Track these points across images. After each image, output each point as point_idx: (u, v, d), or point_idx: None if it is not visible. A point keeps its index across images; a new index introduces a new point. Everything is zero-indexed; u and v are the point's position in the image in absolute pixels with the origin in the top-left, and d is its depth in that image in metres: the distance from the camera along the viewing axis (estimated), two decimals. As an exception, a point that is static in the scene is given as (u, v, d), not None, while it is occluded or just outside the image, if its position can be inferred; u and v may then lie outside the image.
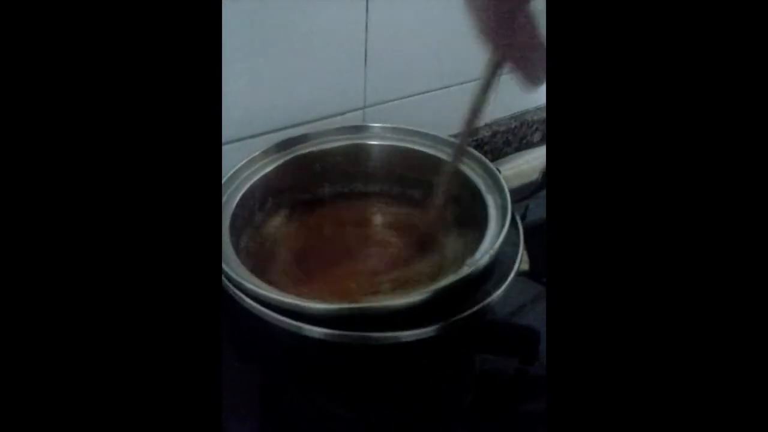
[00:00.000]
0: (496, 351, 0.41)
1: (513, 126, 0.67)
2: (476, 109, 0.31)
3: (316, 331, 0.29)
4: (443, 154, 0.43)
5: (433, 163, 0.43)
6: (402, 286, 0.36)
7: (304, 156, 0.44)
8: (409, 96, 0.55)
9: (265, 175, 0.42)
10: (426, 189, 0.46)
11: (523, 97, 0.68)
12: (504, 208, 0.36)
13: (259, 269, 0.38)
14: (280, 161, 0.43)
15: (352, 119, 0.52)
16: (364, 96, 0.52)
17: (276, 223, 0.43)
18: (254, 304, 0.30)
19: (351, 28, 0.47)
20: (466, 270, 0.31)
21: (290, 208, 0.45)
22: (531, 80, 0.23)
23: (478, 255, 0.32)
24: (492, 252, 0.32)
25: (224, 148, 0.45)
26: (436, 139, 0.44)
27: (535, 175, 0.56)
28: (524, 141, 0.70)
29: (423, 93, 0.55)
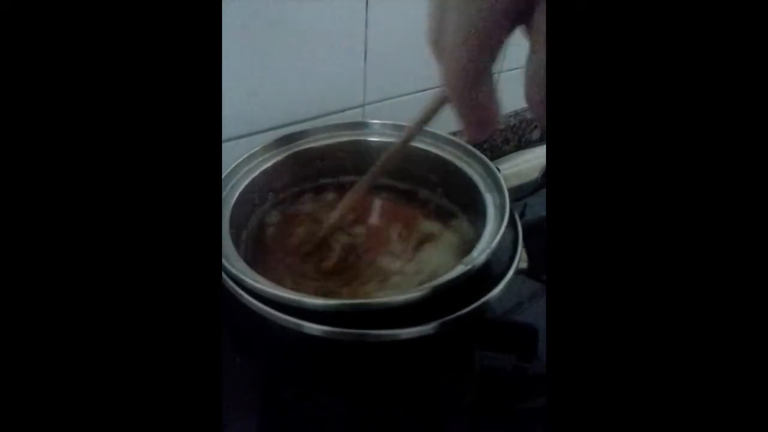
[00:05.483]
0: (494, 348, 0.41)
1: (512, 124, 0.67)
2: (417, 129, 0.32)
3: (316, 328, 0.29)
4: (443, 151, 0.43)
5: (433, 159, 0.43)
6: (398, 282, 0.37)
7: (305, 151, 0.44)
8: (408, 94, 0.55)
9: (266, 170, 0.42)
10: (426, 185, 0.46)
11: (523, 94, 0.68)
12: (502, 207, 0.36)
13: (259, 265, 0.38)
14: (281, 156, 0.43)
15: (352, 117, 0.52)
16: (364, 93, 0.52)
17: (276, 218, 0.44)
18: (253, 301, 0.30)
19: (351, 25, 0.47)
20: (463, 268, 0.31)
21: (290, 203, 0.45)
22: (472, 135, 0.22)
23: (475, 253, 0.33)
24: (490, 250, 0.32)
25: (224, 145, 0.45)
26: (435, 136, 0.44)
27: (534, 174, 0.56)
28: (523, 139, 0.70)
29: (422, 91, 0.55)
